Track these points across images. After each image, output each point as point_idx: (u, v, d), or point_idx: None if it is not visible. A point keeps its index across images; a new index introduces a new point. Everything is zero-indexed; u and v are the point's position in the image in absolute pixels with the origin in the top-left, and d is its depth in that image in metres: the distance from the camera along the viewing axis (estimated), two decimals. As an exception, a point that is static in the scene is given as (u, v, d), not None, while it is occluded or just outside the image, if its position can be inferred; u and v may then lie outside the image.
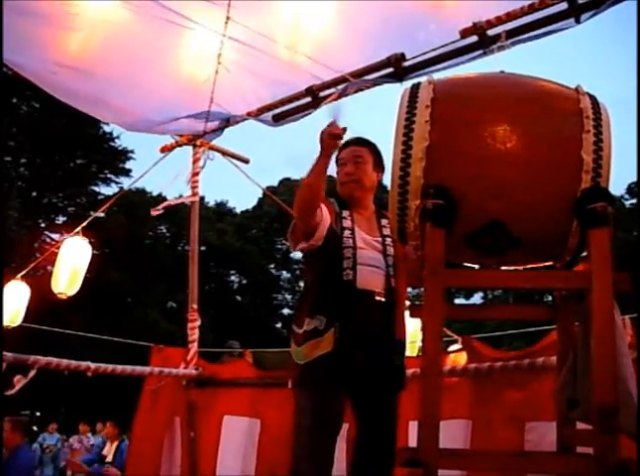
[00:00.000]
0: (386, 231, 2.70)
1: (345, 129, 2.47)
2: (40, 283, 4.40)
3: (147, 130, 4.40)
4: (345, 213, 2.68)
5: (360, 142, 2.78)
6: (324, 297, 2.54)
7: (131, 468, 4.25)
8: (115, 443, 7.10)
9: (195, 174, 4.61)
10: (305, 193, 2.51)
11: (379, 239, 2.68)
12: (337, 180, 2.79)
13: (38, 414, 15.64)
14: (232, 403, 4.10)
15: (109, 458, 6.98)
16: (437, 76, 2.07)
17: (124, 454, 6.25)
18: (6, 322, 4.06)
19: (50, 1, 3.52)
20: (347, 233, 2.61)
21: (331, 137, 2.44)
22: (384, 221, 2.74)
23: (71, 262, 4.22)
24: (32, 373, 3.44)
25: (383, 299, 2.57)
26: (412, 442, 2.01)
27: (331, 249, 2.58)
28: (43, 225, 23.94)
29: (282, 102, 4.18)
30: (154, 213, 4.64)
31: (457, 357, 3.30)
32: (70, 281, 4.20)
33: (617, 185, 22.87)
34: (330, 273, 2.56)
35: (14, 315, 4.19)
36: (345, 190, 2.74)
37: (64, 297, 4.21)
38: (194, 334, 4.39)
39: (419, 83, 2.01)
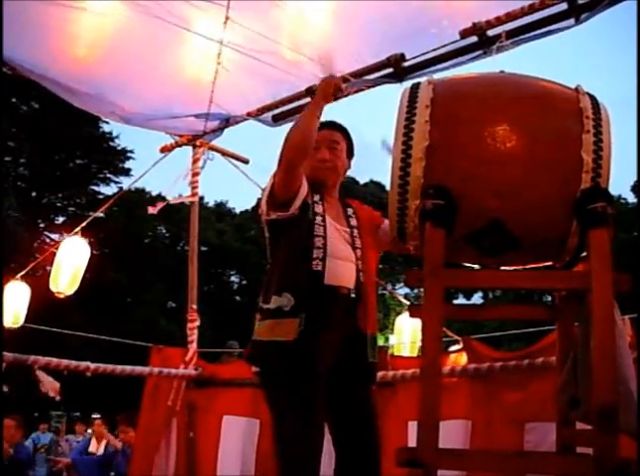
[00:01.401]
0: (353, 222, 2.59)
1: (343, 84, 2.44)
2: (39, 283, 4.39)
3: (145, 124, 4.39)
4: (316, 197, 2.51)
5: (334, 126, 2.64)
6: (291, 277, 2.40)
7: (134, 468, 4.25)
8: (103, 442, 7.09)
9: (195, 174, 4.61)
10: (298, 138, 2.36)
11: (348, 230, 2.55)
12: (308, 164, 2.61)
13: (36, 414, 15.63)
14: (231, 403, 4.10)
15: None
16: (437, 77, 2.07)
17: (121, 455, 6.29)
18: (8, 324, 4.06)
19: (50, 0, 3.52)
20: (318, 220, 2.45)
21: (331, 85, 2.40)
22: (350, 211, 2.63)
23: (71, 261, 4.22)
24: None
25: (354, 295, 2.45)
26: (412, 442, 2.01)
27: (302, 231, 2.42)
28: (42, 225, 23.94)
29: (282, 102, 4.18)
30: (151, 211, 4.64)
31: (457, 357, 3.30)
32: (70, 280, 4.20)
33: (619, 186, 22.89)
34: (299, 258, 2.41)
35: (15, 316, 4.18)
36: (319, 176, 2.56)
37: (62, 296, 4.20)
38: (193, 334, 4.39)
39: (419, 83, 2.01)
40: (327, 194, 2.59)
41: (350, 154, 2.67)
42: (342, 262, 2.46)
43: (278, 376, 2.38)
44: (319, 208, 2.50)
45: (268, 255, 2.56)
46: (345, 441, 2.46)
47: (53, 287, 4.19)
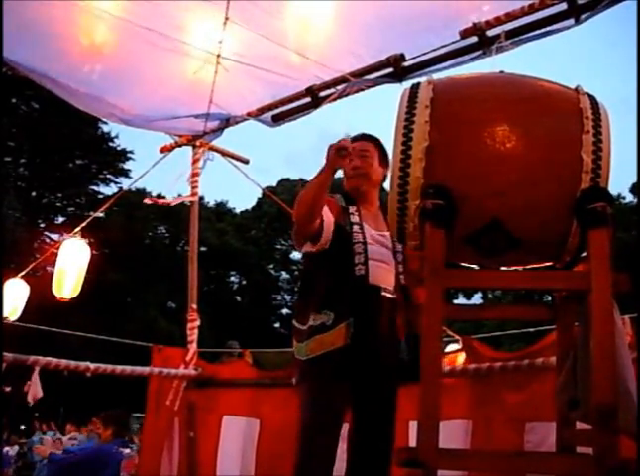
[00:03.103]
0: None
1: (350, 146, 2.48)
2: (39, 283, 4.39)
3: (144, 125, 4.39)
4: (352, 209, 2.67)
5: (365, 137, 2.78)
6: (334, 292, 2.52)
7: (142, 468, 4.26)
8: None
9: (195, 174, 4.61)
10: (304, 208, 2.49)
11: (387, 234, 2.65)
12: (343, 175, 2.78)
13: (36, 414, 15.64)
14: (231, 403, 4.10)
15: None
16: (437, 77, 2.07)
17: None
18: (5, 316, 4.04)
19: (49, 0, 3.52)
20: (355, 228, 2.60)
21: (337, 151, 2.43)
22: None
23: (74, 265, 4.19)
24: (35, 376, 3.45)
25: (393, 296, 2.57)
26: (412, 443, 2.01)
27: (340, 245, 2.56)
28: (42, 225, 23.95)
29: (282, 102, 4.18)
30: (147, 202, 4.65)
31: (455, 357, 3.30)
32: (74, 285, 4.18)
33: (619, 185, 22.87)
34: (341, 268, 2.54)
35: (12, 310, 4.16)
36: (352, 184, 2.74)
37: (66, 300, 4.19)
38: (193, 335, 4.39)
39: (419, 84, 2.01)
40: (364, 202, 2.73)
41: (384, 162, 2.75)
42: (381, 264, 2.59)
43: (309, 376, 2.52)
44: (355, 218, 2.64)
45: (302, 279, 2.74)
46: (358, 441, 2.56)
47: (56, 292, 4.15)
